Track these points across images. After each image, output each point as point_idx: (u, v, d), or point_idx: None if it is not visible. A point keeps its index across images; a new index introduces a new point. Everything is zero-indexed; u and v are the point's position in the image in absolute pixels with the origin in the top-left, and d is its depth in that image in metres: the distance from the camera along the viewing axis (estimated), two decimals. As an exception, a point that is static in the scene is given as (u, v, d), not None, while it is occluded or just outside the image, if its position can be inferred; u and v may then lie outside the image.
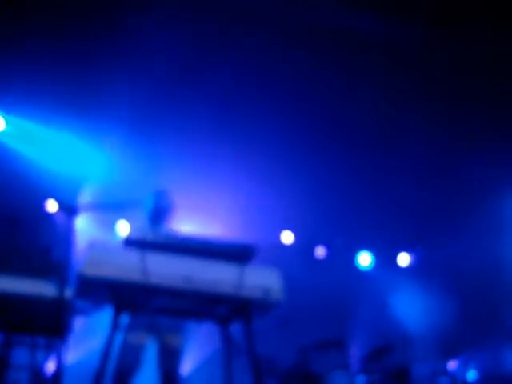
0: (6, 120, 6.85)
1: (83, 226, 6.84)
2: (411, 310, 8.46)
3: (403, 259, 9.18)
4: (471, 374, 7.36)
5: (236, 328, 3.85)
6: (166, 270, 3.37)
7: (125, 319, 4.72)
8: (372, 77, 6.89)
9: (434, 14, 6.23)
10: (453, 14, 6.18)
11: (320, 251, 8.79)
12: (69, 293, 3.95)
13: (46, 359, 4.83)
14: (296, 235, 8.46)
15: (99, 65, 6.36)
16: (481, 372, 7.37)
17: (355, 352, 7.51)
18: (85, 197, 6.99)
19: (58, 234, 6.42)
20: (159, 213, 5.04)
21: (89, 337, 6.18)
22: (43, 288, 4.19)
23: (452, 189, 7.69)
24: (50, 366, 4.78)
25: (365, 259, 9.11)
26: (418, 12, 6.22)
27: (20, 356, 4.66)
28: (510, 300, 7.57)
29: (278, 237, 8.44)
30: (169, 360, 4.81)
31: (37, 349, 4.64)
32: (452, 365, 7.40)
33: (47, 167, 7.05)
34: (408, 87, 6.91)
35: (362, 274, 9.02)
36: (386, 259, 9.08)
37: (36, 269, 4.23)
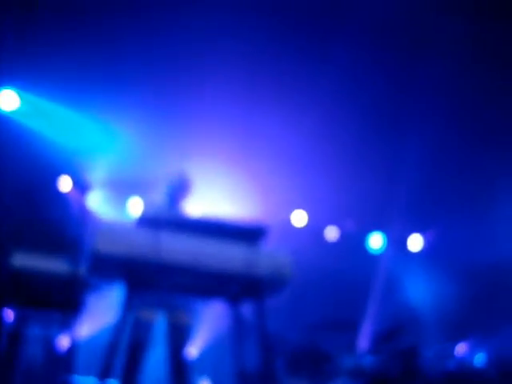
0: (20, 97, 6.88)
1: (96, 203, 6.89)
2: (421, 292, 8.48)
3: (415, 242, 9.18)
4: (479, 358, 7.38)
5: (245, 307, 3.88)
6: (179, 248, 3.40)
7: (136, 296, 4.77)
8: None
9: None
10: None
11: (331, 232, 8.80)
12: (82, 269, 4.00)
13: (59, 334, 4.90)
14: (308, 216, 8.46)
15: (116, 40, 6.35)
16: (489, 356, 7.39)
17: (364, 333, 7.55)
18: (98, 174, 7.03)
19: (71, 212, 6.47)
20: (177, 192, 5.08)
21: (101, 313, 6.25)
22: (57, 264, 4.24)
23: (469, 172, 7.65)
24: (64, 341, 4.85)
25: (376, 241, 9.12)
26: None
27: (34, 331, 4.72)
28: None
29: (289, 216, 8.45)
30: (178, 338, 4.86)
31: (51, 324, 4.70)
32: (460, 348, 7.43)
33: (61, 144, 7.08)
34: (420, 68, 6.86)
35: (372, 256, 9.03)
36: (397, 241, 9.08)
37: (50, 245, 4.29)
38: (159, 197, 5.13)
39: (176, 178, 5.09)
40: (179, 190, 5.06)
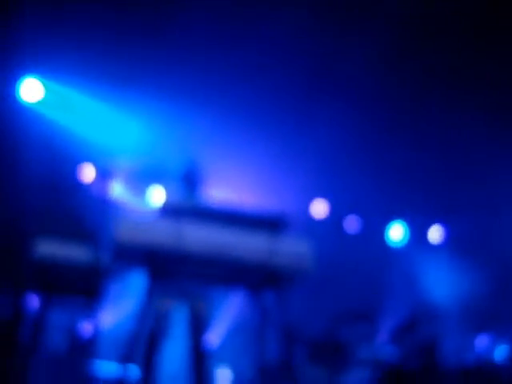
0: (44, 87, 6.93)
1: (119, 191, 6.94)
2: (442, 283, 8.43)
3: (435, 232, 9.11)
4: (500, 351, 7.33)
5: (265, 297, 3.89)
6: (201, 237, 3.42)
7: (158, 285, 4.80)
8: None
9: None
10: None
11: (351, 223, 8.77)
12: (104, 257, 4.04)
13: (82, 321, 4.96)
14: (328, 205, 8.43)
15: (141, 35, 6.38)
16: (510, 349, 7.34)
17: (384, 324, 7.54)
18: (120, 164, 7.07)
19: (94, 200, 6.53)
20: (191, 180, 5.09)
21: (122, 300, 6.31)
22: (80, 252, 4.29)
23: (493, 160, 7.56)
24: (86, 328, 4.91)
25: (397, 232, 9.06)
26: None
27: (57, 317, 4.78)
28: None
29: (309, 205, 8.42)
30: (198, 327, 4.89)
31: (73, 311, 4.76)
32: (481, 340, 7.39)
33: (84, 133, 7.13)
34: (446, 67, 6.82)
35: (393, 247, 8.99)
36: (418, 232, 9.03)
37: (73, 233, 4.33)
38: (177, 185, 5.14)
39: (188, 165, 5.09)
40: (191, 178, 5.07)
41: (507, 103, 7.13)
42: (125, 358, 3.78)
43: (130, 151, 7.20)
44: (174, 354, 5.11)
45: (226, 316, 7.37)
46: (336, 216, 8.60)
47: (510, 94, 7.03)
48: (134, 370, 4.08)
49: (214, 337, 7.20)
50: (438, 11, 6.35)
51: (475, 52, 6.68)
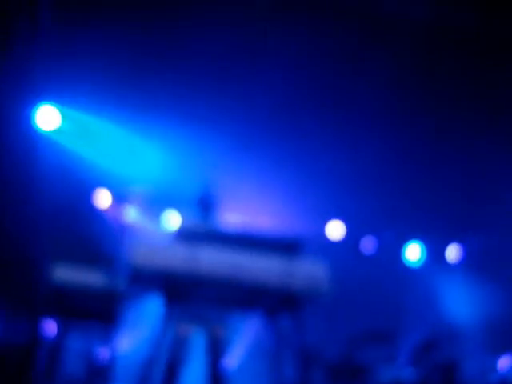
0: (61, 114, 6.99)
1: (135, 217, 6.97)
2: (461, 303, 8.34)
3: (453, 251, 9.04)
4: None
5: (282, 320, 3.87)
6: (217, 261, 3.43)
7: (174, 310, 4.80)
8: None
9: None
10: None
11: (367, 244, 8.73)
12: (121, 283, 4.05)
13: (99, 347, 4.96)
14: (344, 226, 8.40)
15: (156, 60, 6.46)
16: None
17: (403, 346, 7.46)
18: (135, 189, 7.11)
19: (110, 225, 6.55)
20: (206, 203, 5.10)
21: (139, 325, 6.30)
22: (96, 277, 4.30)
23: (503, 180, 7.52)
24: (103, 353, 4.91)
25: (414, 252, 8.99)
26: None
27: (74, 343, 4.79)
28: None
29: (324, 227, 8.39)
30: (216, 352, 4.87)
31: (90, 336, 4.77)
32: (504, 361, 7.27)
33: (100, 161, 7.19)
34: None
35: (410, 267, 8.93)
36: (435, 252, 8.96)
37: (89, 259, 4.36)
38: (193, 209, 5.16)
39: (204, 189, 5.11)
40: (206, 202, 5.09)
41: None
42: (142, 384, 3.77)
43: (145, 176, 7.24)
44: (192, 379, 5.08)
45: (244, 339, 7.33)
46: (352, 237, 8.57)
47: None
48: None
49: (232, 361, 7.16)
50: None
51: (493, 74, 6.69)
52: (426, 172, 7.78)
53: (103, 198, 7.20)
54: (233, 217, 5.30)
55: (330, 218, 8.32)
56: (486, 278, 8.21)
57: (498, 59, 6.69)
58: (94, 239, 4.97)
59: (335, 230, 8.44)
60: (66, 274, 4.29)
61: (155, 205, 7.31)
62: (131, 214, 6.85)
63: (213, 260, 3.42)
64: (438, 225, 8.28)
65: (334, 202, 7.87)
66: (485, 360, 7.33)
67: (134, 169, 7.28)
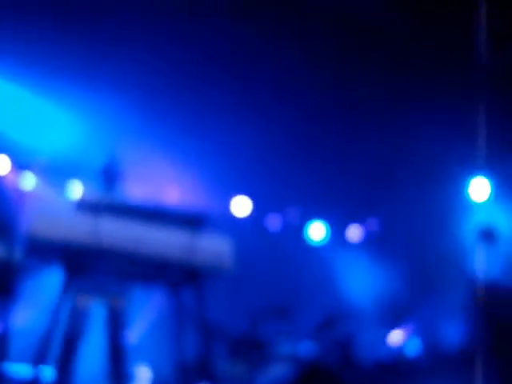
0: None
1: (34, 186, 6.75)
2: (360, 281, 8.64)
3: (355, 231, 9.31)
4: (413, 345, 7.60)
5: (184, 294, 3.87)
6: (118, 233, 3.37)
7: (74, 282, 4.69)
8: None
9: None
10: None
11: (272, 221, 8.85)
12: (17, 253, 3.90)
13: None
14: (251, 202, 8.46)
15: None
16: (422, 344, 7.62)
17: (303, 322, 7.66)
18: (37, 157, 6.88)
19: (6, 194, 6.31)
20: (110, 174, 5.00)
21: (36, 298, 6.13)
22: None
23: (409, 158, 7.74)
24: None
25: (317, 230, 9.19)
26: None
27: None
28: (449, 272, 7.74)
29: (229, 202, 8.42)
30: (116, 324, 4.81)
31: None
32: (395, 335, 7.63)
33: (2, 127, 6.90)
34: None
35: (313, 246, 9.14)
36: (338, 231, 9.20)
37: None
38: (97, 180, 5.05)
39: (108, 161, 5.01)
40: (110, 174, 4.99)
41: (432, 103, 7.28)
42: (38, 359, 3.67)
43: (51, 145, 7.01)
44: (91, 353, 5.00)
45: (145, 313, 7.29)
46: (258, 214, 8.66)
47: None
48: (47, 372, 3.97)
49: (133, 334, 7.10)
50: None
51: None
52: (334, 152, 7.93)
53: (1, 165, 6.93)
54: (138, 189, 5.22)
55: (236, 194, 8.37)
56: (383, 257, 8.54)
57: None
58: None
59: (240, 205, 8.49)
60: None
61: (59, 174, 7.10)
62: (31, 183, 6.62)
63: (114, 232, 3.36)
64: (342, 205, 8.49)
65: (241, 178, 7.91)
66: (378, 334, 7.66)
67: (39, 136, 7.04)
